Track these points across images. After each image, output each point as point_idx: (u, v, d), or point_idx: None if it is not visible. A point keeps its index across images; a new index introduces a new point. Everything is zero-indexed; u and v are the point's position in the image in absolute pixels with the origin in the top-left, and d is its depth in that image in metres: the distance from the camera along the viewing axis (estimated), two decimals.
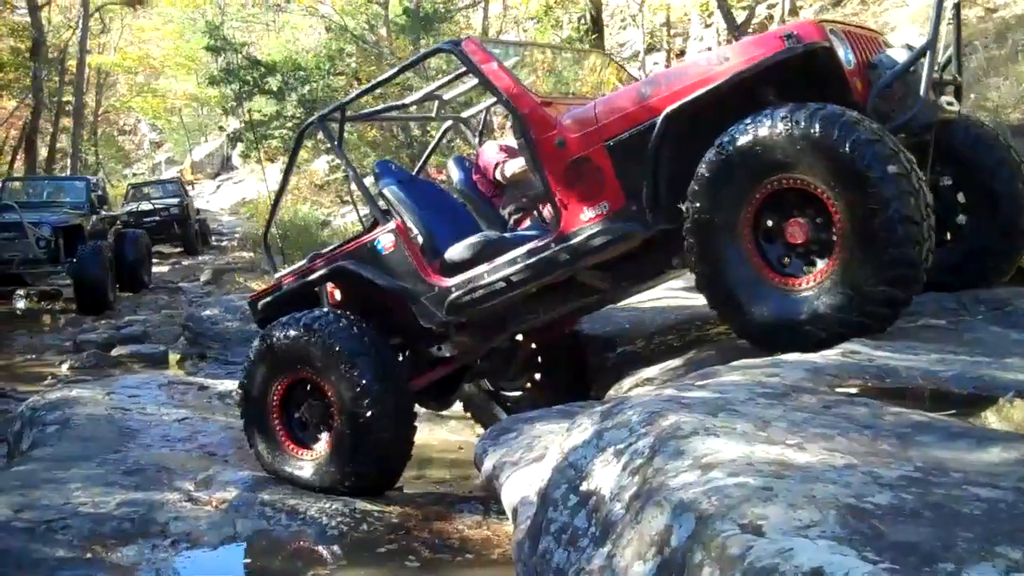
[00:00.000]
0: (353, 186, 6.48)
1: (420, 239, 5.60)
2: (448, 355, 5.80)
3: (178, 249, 24.67)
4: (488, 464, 4.07)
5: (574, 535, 2.71)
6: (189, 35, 36.81)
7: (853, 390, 3.25)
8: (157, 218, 23.46)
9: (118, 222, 18.89)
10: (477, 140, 6.74)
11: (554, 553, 2.76)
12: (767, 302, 4.18)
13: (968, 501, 2.12)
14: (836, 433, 2.64)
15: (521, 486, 3.61)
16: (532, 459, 3.78)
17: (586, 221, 4.86)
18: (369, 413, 5.25)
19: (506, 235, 5.54)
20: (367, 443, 5.32)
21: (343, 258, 5.69)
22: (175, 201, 24.47)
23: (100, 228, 16.96)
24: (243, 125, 20.70)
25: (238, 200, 34.25)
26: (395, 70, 5.92)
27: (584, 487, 2.79)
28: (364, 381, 5.26)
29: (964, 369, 3.40)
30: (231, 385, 8.62)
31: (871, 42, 4.73)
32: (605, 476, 2.72)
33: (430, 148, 7.34)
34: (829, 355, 3.73)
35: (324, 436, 5.57)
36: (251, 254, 22.17)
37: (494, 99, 5.85)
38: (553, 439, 3.56)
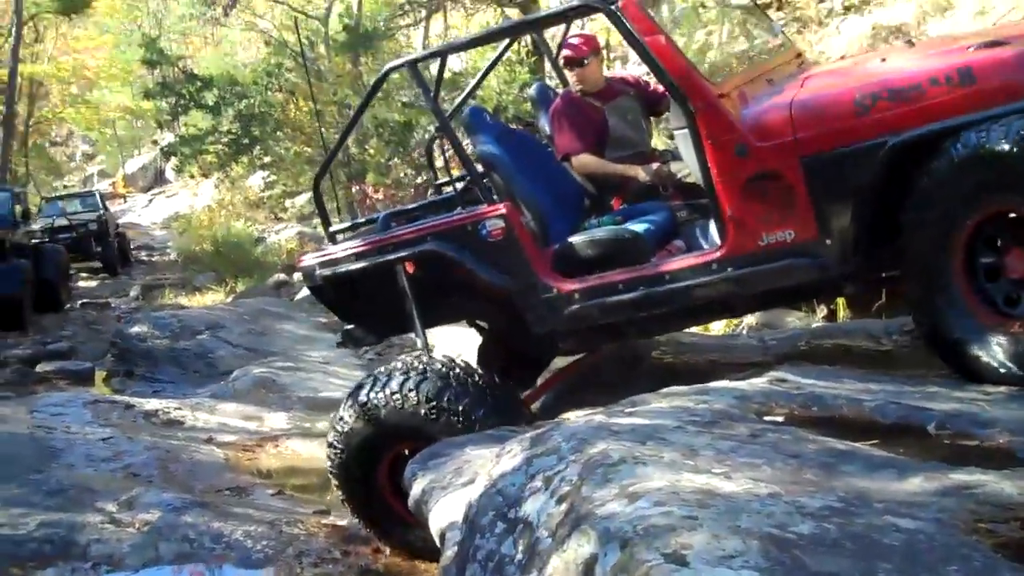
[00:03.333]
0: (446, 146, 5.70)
1: (532, 223, 4.72)
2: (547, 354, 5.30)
3: (95, 266, 22.97)
4: (417, 489, 4.03)
5: (500, 562, 2.69)
6: (125, 47, 36.45)
7: (780, 418, 3.27)
8: (73, 234, 21.57)
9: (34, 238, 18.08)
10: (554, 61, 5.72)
11: None
12: (984, 344, 3.58)
13: (888, 532, 2.15)
14: (762, 462, 2.66)
15: (449, 512, 3.58)
16: (461, 484, 3.75)
17: (763, 247, 4.08)
18: None
19: (639, 230, 4.61)
20: None
21: (435, 237, 4.71)
22: (92, 216, 22.57)
23: (23, 243, 16.49)
24: (177, 139, 20.41)
25: (171, 214, 33.78)
26: (513, 22, 5.26)
27: (512, 514, 2.78)
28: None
29: (888, 397, 3.44)
30: (158, 404, 8.49)
31: None
32: (533, 503, 2.71)
33: (479, 76, 6.23)
34: (756, 383, 3.77)
35: None
36: (181, 274, 21.84)
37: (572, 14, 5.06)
38: (483, 464, 3.55)
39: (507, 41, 5.51)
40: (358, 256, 4.89)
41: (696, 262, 4.25)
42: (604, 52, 5.41)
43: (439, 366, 4.63)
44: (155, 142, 35.97)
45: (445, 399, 4.49)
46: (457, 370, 4.63)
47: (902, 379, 3.86)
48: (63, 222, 21.91)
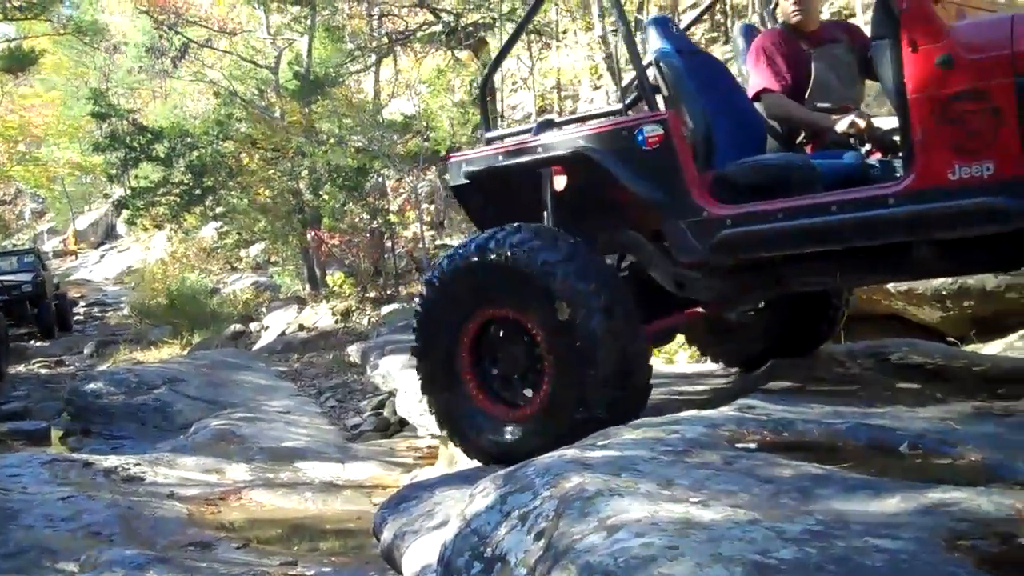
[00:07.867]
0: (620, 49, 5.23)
1: (693, 140, 4.21)
2: (692, 298, 4.46)
3: (31, 330, 21.24)
4: (387, 534, 3.97)
5: None
6: (73, 102, 36.22)
7: (752, 445, 3.26)
8: (5, 297, 19.85)
9: None
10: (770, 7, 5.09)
11: None
12: None
13: (870, 553, 2.13)
14: (738, 489, 2.64)
15: (423, 555, 3.53)
16: (433, 527, 3.70)
17: (954, 181, 3.45)
18: (598, 370, 3.91)
19: (815, 161, 4.09)
20: (594, 404, 3.94)
21: (588, 140, 4.25)
22: (27, 278, 20.74)
23: None
24: (129, 192, 20.24)
25: (123, 269, 33.46)
26: None
27: (488, 553, 2.73)
28: (593, 328, 3.90)
29: (858, 420, 3.45)
30: (117, 460, 8.34)
31: None
32: (509, 541, 2.67)
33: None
34: (726, 411, 3.75)
35: (530, 392, 4.23)
36: (136, 328, 21.56)
37: None
38: (454, 505, 3.50)
39: None
40: (506, 155, 4.56)
41: (870, 194, 3.67)
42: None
43: (572, 245, 4.10)
44: (106, 196, 35.69)
45: (562, 271, 3.98)
46: (587, 254, 4.11)
47: (869, 401, 3.88)
48: None
